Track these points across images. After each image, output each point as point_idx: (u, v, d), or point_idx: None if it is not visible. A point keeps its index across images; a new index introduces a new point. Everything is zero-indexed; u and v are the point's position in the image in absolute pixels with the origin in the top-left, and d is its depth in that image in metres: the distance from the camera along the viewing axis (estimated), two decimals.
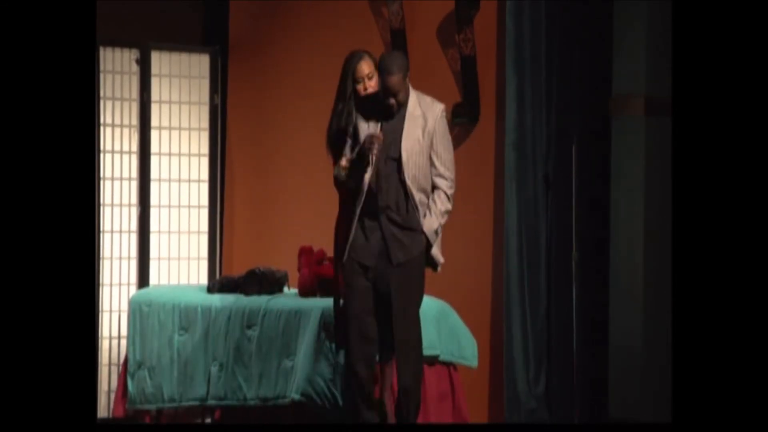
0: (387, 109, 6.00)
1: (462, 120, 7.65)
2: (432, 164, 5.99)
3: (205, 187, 8.32)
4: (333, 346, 6.48)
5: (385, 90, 5.98)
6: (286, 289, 7.12)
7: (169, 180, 8.16)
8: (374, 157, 5.88)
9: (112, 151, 8.00)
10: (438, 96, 7.78)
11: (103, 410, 7.70)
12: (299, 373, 6.51)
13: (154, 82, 8.10)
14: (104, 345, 7.89)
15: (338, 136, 6.17)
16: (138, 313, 7.18)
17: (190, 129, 8.29)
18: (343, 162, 6.02)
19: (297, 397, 6.50)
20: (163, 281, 8.08)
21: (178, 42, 8.34)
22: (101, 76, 7.93)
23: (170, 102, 8.19)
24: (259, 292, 6.96)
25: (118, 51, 8.01)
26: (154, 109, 8.11)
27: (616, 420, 7.00)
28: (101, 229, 7.90)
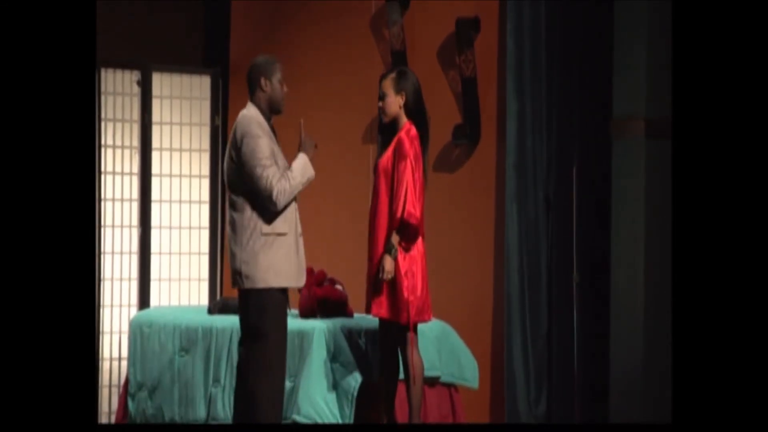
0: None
1: (463, 141, 7.67)
2: None
3: (205, 208, 8.32)
4: (334, 366, 6.48)
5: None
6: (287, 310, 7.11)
7: (170, 201, 8.16)
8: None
9: (113, 173, 8.01)
10: (438, 117, 7.82)
11: None
12: (300, 394, 6.50)
13: (155, 104, 8.12)
14: (105, 366, 7.88)
15: None
16: (139, 334, 7.17)
17: (191, 150, 8.30)
18: None
19: (298, 418, 6.49)
20: (164, 302, 8.08)
21: (179, 63, 8.36)
22: (102, 97, 7.95)
23: (171, 123, 8.20)
24: None
25: (119, 72, 8.04)
26: (155, 130, 8.13)
27: (616, 422, 7.00)
28: (102, 250, 7.91)
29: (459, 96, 7.70)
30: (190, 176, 8.29)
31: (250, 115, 5.99)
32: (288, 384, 6.56)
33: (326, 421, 6.40)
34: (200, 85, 8.30)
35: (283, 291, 5.96)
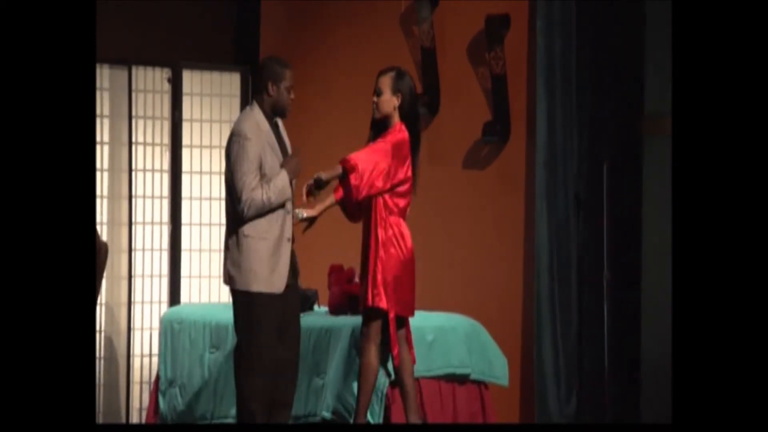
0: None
1: (492, 138, 7.65)
2: None
3: None
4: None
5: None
6: (316, 307, 7.13)
7: (200, 198, 8.18)
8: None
9: (144, 170, 8.04)
10: (468, 114, 7.81)
11: None
12: (330, 392, 6.50)
13: (186, 101, 8.14)
14: (135, 363, 7.91)
15: None
16: (169, 331, 7.20)
17: (221, 147, 8.29)
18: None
19: (328, 415, 6.49)
20: (194, 299, 8.10)
21: (210, 61, 8.38)
22: (133, 94, 7.98)
23: (201, 120, 8.22)
24: None
25: (149, 70, 8.06)
26: (186, 127, 8.15)
27: (647, 421, 6.99)
28: (133, 247, 7.94)
29: (489, 93, 7.68)
30: (221, 173, 8.27)
31: (250, 114, 5.96)
32: (318, 381, 6.57)
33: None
34: (230, 83, 8.31)
35: (270, 295, 5.88)
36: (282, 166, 5.92)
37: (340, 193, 6.12)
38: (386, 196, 6.08)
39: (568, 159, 7.36)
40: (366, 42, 8.16)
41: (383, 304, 6.05)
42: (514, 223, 7.60)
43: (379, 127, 6.21)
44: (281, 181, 5.89)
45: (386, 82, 6.16)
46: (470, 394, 6.81)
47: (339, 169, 6.03)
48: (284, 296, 5.95)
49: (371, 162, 6.03)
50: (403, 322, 6.20)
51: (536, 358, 7.33)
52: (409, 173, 6.14)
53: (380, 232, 6.08)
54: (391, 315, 6.08)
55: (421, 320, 6.84)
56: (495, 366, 6.89)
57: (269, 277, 5.88)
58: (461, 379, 6.76)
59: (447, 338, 6.75)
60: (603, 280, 6.88)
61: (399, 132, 6.14)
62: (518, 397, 7.47)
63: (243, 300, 5.89)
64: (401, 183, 6.11)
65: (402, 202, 6.14)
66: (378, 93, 6.18)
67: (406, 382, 6.12)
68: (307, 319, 6.80)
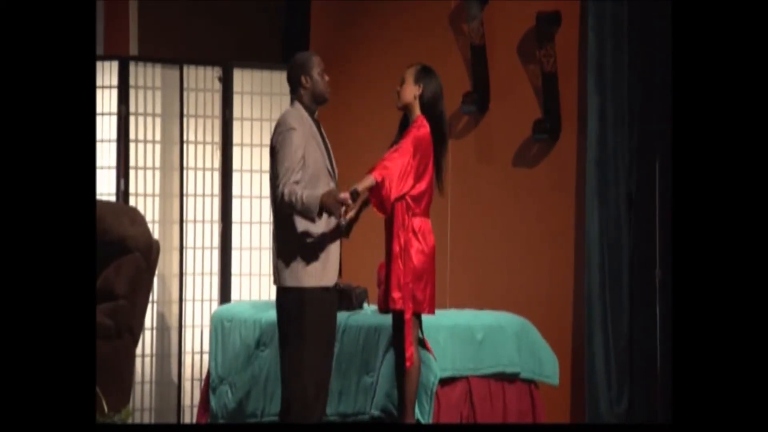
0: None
1: (543, 136, 7.62)
2: None
3: None
4: None
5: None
6: (366, 305, 7.13)
7: (251, 196, 8.22)
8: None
9: (195, 168, 8.08)
10: (518, 112, 7.79)
11: None
12: (379, 390, 6.51)
13: (237, 100, 8.18)
14: (186, 360, 7.96)
15: None
16: (220, 328, 7.23)
17: None
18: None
19: (377, 413, 6.50)
20: (245, 297, 8.13)
21: (260, 60, 8.42)
22: (185, 93, 8.03)
23: (252, 119, 8.25)
24: (339, 309, 6.97)
25: (201, 69, 8.10)
26: (237, 126, 8.18)
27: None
28: (184, 245, 7.99)
29: (539, 91, 7.65)
30: None
31: (292, 109, 5.94)
32: (368, 380, 6.57)
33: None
34: (281, 81, 8.32)
35: (322, 289, 5.84)
36: (322, 197, 5.74)
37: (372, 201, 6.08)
38: (408, 198, 6.06)
39: (619, 157, 7.32)
40: (416, 40, 8.15)
41: (402, 306, 6.03)
42: (564, 221, 7.57)
43: (404, 124, 6.20)
44: (313, 201, 5.72)
45: (410, 73, 6.18)
46: (520, 393, 6.79)
47: (371, 179, 5.97)
48: (333, 290, 5.93)
49: (397, 167, 6.01)
50: (420, 321, 6.18)
51: (587, 356, 7.29)
52: (430, 169, 6.11)
53: (401, 234, 6.07)
54: (408, 316, 6.06)
55: (470, 319, 6.83)
56: (545, 365, 6.86)
57: (321, 272, 5.84)
58: (511, 378, 6.74)
59: (497, 337, 6.73)
60: (655, 278, 6.83)
61: (420, 127, 6.10)
62: (569, 396, 7.44)
63: (293, 296, 5.84)
64: (421, 179, 6.08)
65: (423, 202, 6.11)
66: (401, 82, 6.19)
67: (407, 381, 6.08)
68: (356, 318, 6.80)
